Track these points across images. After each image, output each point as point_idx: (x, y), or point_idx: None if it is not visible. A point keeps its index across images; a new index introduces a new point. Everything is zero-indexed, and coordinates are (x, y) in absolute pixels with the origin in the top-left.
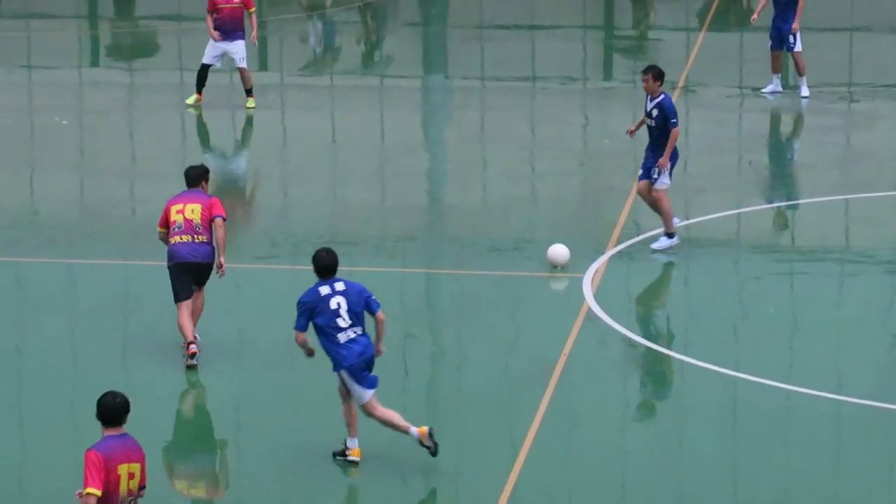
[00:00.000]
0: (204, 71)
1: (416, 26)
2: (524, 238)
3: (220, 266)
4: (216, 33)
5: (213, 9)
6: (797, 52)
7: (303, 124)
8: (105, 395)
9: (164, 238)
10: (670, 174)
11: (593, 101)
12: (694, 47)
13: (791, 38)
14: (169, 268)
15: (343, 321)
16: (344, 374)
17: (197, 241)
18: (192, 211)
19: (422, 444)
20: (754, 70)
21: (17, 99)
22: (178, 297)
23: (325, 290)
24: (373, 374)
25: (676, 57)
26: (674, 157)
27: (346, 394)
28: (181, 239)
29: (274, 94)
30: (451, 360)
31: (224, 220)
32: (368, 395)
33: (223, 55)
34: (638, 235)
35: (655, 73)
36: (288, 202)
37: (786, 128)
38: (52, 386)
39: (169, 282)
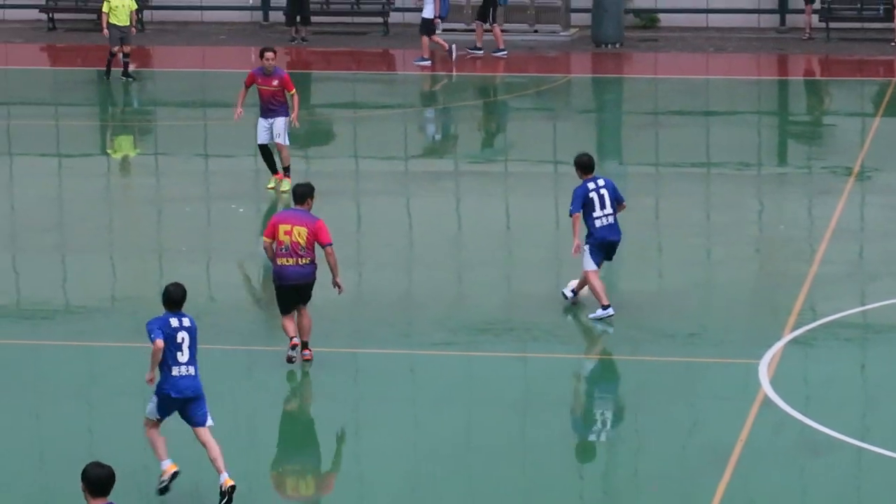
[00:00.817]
0: (263, 150)
1: (591, 112)
2: (700, 324)
3: (338, 286)
4: (240, 110)
5: (251, 84)
6: None
7: (479, 210)
8: (91, 465)
9: (270, 250)
10: None
11: (768, 187)
12: (869, 133)
13: None
14: (276, 287)
15: (182, 356)
16: (160, 398)
17: (301, 263)
18: (299, 234)
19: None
20: None
21: (195, 187)
22: (283, 312)
23: (174, 322)
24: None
25: (851, 142)
26: None
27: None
28: (287, 262)
29: (449, 180)
30: (628, 445)
31: (331, 245)
32: (155, 415)
33: (270, 131)
34: (814, 321)
35: None
36: (463, 289)
37: None
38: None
39: None
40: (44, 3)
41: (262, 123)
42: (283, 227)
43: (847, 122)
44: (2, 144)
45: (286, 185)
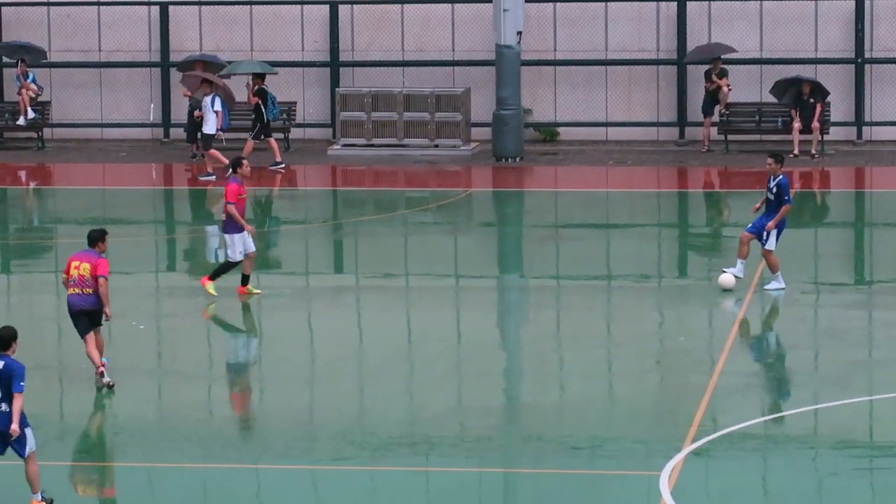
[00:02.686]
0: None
1: (492, 226)
2: (601, 436)
3: (106, 315)
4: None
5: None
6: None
7: (378, 324)
8: None
9: (65, 284)
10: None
11: (668, 299)
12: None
13: (765, 235)
14: (70, 314)
15: None
16: None
17: (84, 293)
18: (84, 269)
19: None
20: (830, 265)
21: None
22: (81, 335)
23: None
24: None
25: (750, 254)
26: (781, 226)
27: None
28: (74, 291)
29: (350, 294)
30: None
31: (104, 278)
32: None
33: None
34: (715, 432)
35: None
36: (365, 403)
37: (859, 322)
38: None
39: None
40: None
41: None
42: (73, 264)
43: None
44: None
45: (211, 288)
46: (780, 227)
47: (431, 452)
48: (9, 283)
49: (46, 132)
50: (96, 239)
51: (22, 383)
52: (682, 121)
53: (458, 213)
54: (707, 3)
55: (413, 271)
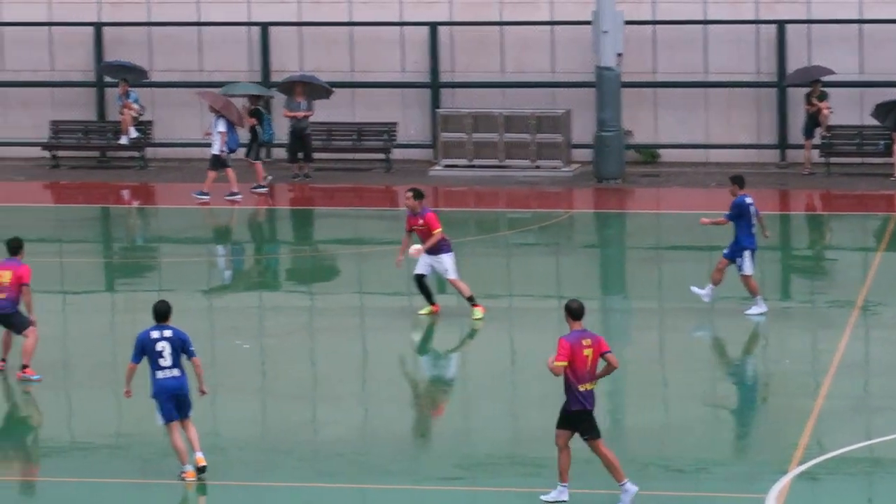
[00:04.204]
0: (419, 281)
1: (594, 248)
2: (706, 458)
3: (31, 322)
4: (401, 258)
5: (409, 228)
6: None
7: (479, 345)
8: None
9: None
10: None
11: (773, 322)
12: (871, 267)
13: (738, 261)
14: None
15: (164, 361)
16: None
17: (1, 296)
18: (3, 276)
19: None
20: None
21: (199, 323)
22: None
23: (155, 334)
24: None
25: (854, 277)
26: (744, 247)
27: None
28: None
29: (451, 315)
30: None
31: (27, 285)
32: (160, 421)
33: (431, 266)
34: (821, 455)
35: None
36: (469, 423)
37: None
38: None
39: None
40: (46, 140)
41: (424, 258)
42: None
43: (849, 256)
44: None
45: (478, 313)
46: (745, 249)
47: (539, 473)
48: (112, 301)
49: (149, 151)
50: (17, 248)
51: (192, 348)
52: (783, 143)
53: (559, 235)
54: (806, 25)
55: (515, 292)
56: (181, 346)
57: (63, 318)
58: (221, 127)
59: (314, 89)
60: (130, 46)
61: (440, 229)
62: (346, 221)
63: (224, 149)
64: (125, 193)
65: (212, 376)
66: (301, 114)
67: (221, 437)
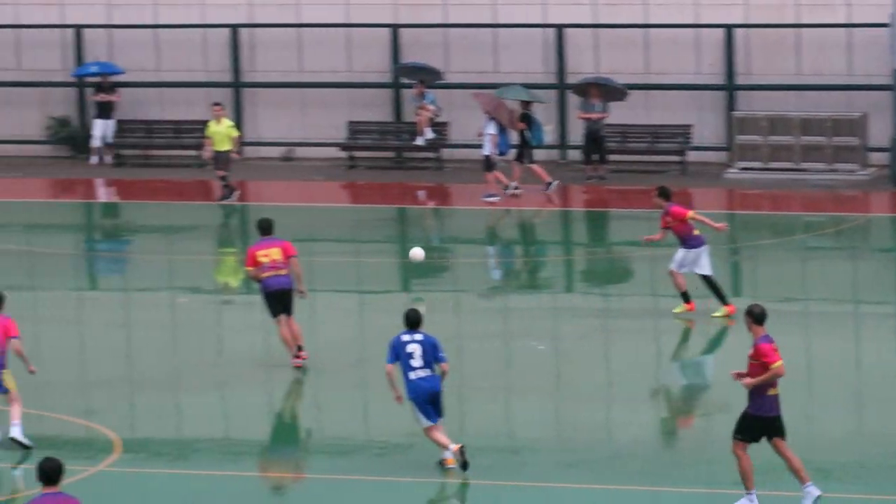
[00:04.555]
0: (707, 281)
1: (892, 252)
2: None
3: (301, 292)
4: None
5: (664, 226)
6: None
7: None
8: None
9: (255, 275)
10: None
11: None
12: None
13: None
14: (264, 295)
15: (416, 362)
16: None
17: (280, 274)
18: (275, 253)
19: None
20: None
21: (494, 324)
22: (273, 315)
23: (406, 337)
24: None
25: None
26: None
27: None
28: (268, 274)
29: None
30: None
31: (295, 256)
32: (425, 423)
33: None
34: None
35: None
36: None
37: None
38: None
39: None
40: (344, 141)
41: (688, 254)
42: (260, 253)
43: None
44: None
45: (721, 311)
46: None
47: (828, 477)
48: (405, 302)
49: (445, 153)
50: (270, 227)
51: (442, 353)
52: None
53: (856, 239)
54: None
55: (812, 296)
56: (431, 350)
57: (359, 317)
58: (491, 129)
59: (609, 91)
60: (426, 48)
61: (692, 212)
62: (639, 224)
63: (494, 151)
64: (421, 194)
65: (503, 377)
66: (596, 115)
67: (515, 438)
